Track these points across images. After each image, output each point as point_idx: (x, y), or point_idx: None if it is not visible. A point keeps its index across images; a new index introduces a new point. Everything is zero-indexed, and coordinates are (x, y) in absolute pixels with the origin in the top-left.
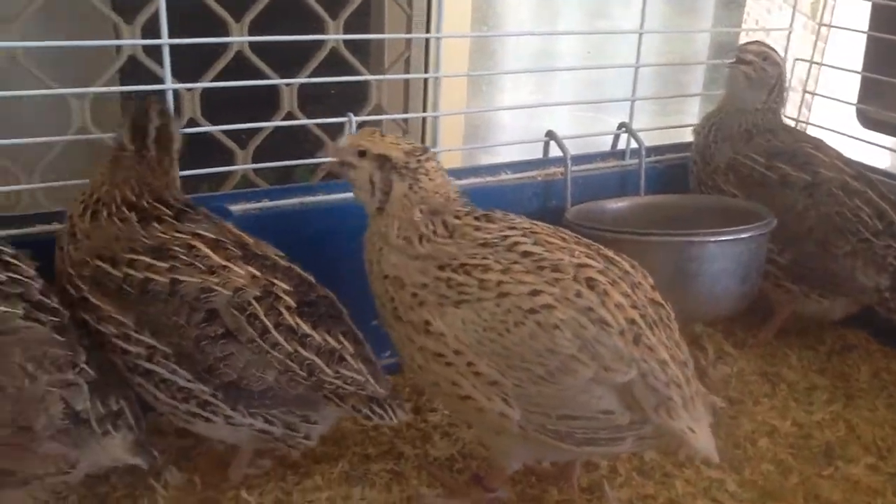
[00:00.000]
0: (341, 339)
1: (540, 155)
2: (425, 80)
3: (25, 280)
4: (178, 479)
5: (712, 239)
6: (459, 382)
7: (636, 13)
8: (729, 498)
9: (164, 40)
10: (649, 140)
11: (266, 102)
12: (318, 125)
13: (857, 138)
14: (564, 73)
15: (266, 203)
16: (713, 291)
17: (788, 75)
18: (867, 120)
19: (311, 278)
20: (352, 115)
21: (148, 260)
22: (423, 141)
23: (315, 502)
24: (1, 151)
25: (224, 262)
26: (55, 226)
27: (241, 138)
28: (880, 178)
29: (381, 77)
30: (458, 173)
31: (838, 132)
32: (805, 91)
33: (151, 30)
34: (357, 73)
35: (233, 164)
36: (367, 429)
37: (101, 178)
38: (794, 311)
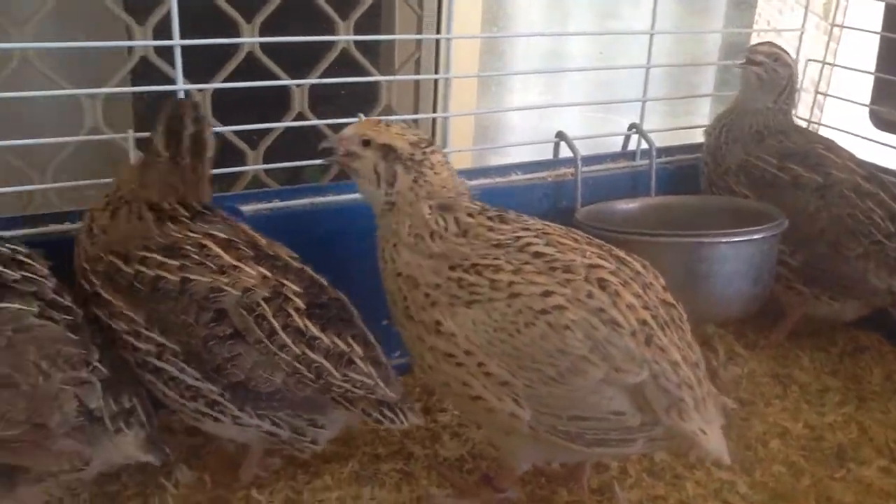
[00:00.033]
0: (351, 342)
1: (550, 156)
2: (435, 81)
3: (39, 279)
4: (188, 478)
5: (723, 240)
6: (470, 383)
7: (646, 14)
8: (740, 500)
9: (176, 41)
10: (660, 141)
11: (277, 103)
12: (328, 126)
13: (869, 139)
14: (574, 73)
15: (277, 203)
16: (724, 293)
17: (800, 76)
18: (880, 121)
19: (323, 280)
20: (362, 115)
21: (160, 258)
22: None
23: (325, 502)
24: (14, 151)
25: (235, 262)
26: (67, 225)
27: (252, 139)
28: (893, 180)
29: (391, 78)
30: (468, 174)
31: (851, 133)
32: (817, 92)
33: (163, 31)
34: (367, 73)
35: (243, 165)
36: (376, 429)
37: (129, 177)
38: (806, 313)
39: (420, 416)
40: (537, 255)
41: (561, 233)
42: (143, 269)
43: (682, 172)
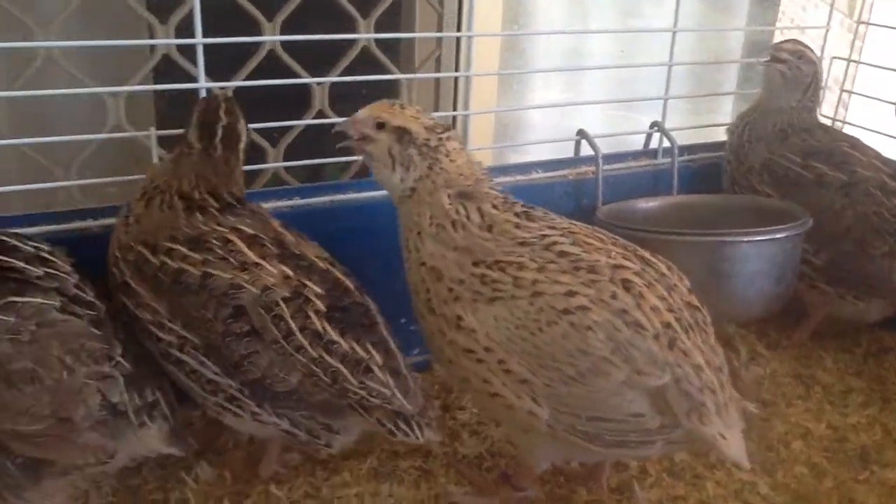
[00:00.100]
0: (370, 349)
1: (570, 154)
2: (456, 79)
3: (61, 275)
4: (208, 474)
5: (745, 239)
6: (489, 379)
7: (668, 12)
8: (761, 501)
9: (199, 39)
10: (682, 139)
11: (297, 101)
12: None
13: (895, 137)
14: (595, 71)
15: (297, 201)
16: (747, 292)
17: (825, 74)
18: None
19: (350, 284)
20: None
21: (184, 250)
22: None
23: (343, 498)
24: (38, 149)
25: (257, 260)
26: (90, 222)
27: (273, 136)
28: None
29: (411, 76)
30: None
31: (876, 131)
32: (842, 90)
33: (185, 29)
34: (388, 72)
35: (264, 163)
36: None
37: (164, 167)
38: (830, 313)
39: (438, 432)
40: (562, 254)
41: (587, 232)
42: (167, 260)
43: (704, 171)
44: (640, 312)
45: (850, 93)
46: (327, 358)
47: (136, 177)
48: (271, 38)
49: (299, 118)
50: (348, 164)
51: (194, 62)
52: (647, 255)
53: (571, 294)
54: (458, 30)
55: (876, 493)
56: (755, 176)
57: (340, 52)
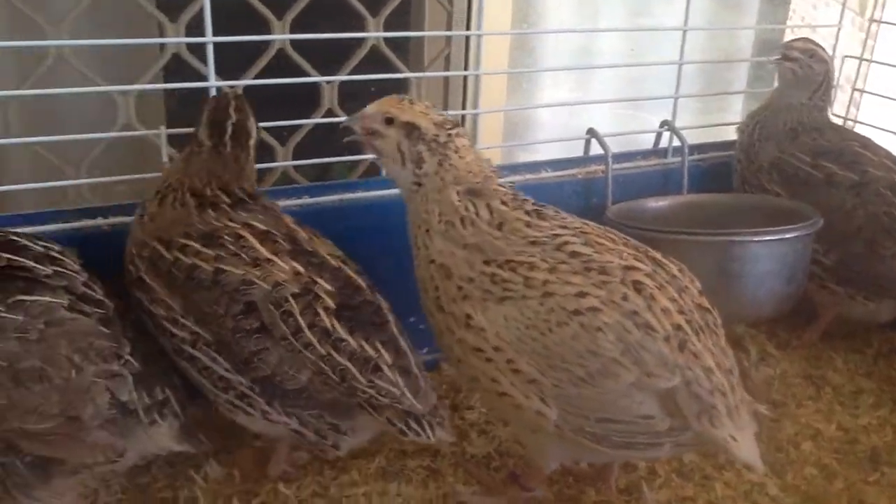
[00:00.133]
0: (379, 347)
1: (580, 153)
2: (465, 78)
3: (70, 273)
4: (217, 473)
5: (756, 239)
6: (498, 379)
7: (678, 11)
8: (770, 502)
9: (209, 38)
10: (692, 138)
11: (307, 100)
12: None
13: None
14: (605, 70)
15: (306, 199)
16: (757, 292)
17: (837, 73)
18: None
19: (362, 282)
20: None
21: (197, 246)
22: None
23: (352, 497)
24: (49, 147)
25: (269, 256)
26: (100, 220)
27: (282, 135)
28: None
29: (421, 74)
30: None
31: (888, 130)
32: (853, 89)
33: (195, 28)
34: (397, 70)
35: (273, 161)
36: None
37: (176, 166)
38: (840, 313)
39: (450, 432)
40: (574, 254)
41: (599, 232)
42: (181, 256)
43: (714, 170)
44: (650, 314)
45: (862, 92)
46: (336, 356)
47: (146, 175)
48: (281, 36)
49: (308, 117)
50: (357, 162)
51: (204, 61)
52: (658, 256)
53: (582, 295)
54: (468, 28)
55: (886, 494)
56: (765, 175)
57: (350, 50)
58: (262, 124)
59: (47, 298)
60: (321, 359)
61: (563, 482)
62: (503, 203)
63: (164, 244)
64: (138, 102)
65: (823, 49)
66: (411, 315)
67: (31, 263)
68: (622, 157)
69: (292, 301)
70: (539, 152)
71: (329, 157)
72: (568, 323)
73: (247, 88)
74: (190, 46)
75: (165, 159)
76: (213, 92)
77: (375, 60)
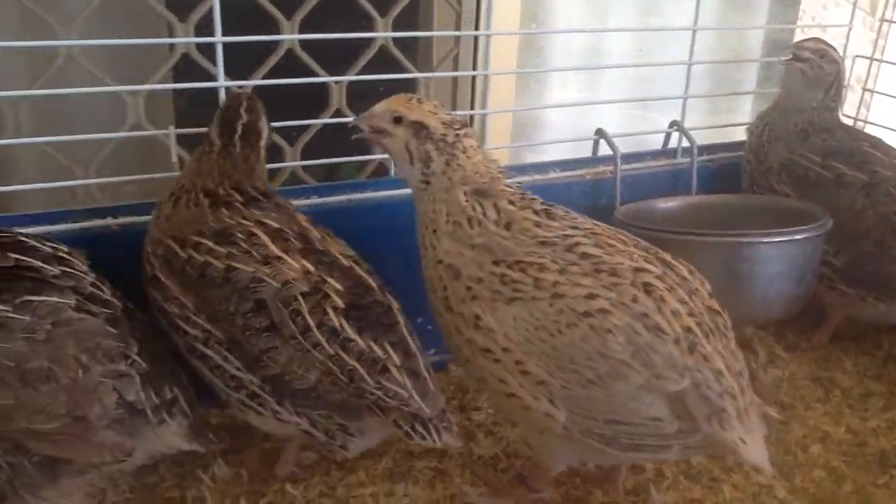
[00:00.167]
0: (388, 348)
1: (588, 153)
2: (473, 78)
3: (78, 273)
4: (225, 473)
5: (764, 240)
6: (506, 380)
7: (687, 10)
8: None
9: (218, 38)
10: (701, 139)
11: (315, 100)
12: None
13: None
14: (614, 70)
15: (314, 200)
16: (766, 294)
17: (847, 73)
18: None
19: (373, 282)
20: None
21: (210, 244)
22: None
23: (359, 498)
24: (59, 147)
25: (279, 254)
26: (109, 220)
27: (291, 135)
28: None
29: (429, 75)
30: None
31: None
32: (864, 89)
33: (205, 28)
34: (405, 70)
35: (281, 161)
36: None
37: (189, 167)
38: (850, 314)
39: (458, 437)
40: (584, 255)
41: (609, 233)
42: (194, 254)
43: (723, 171)
44: (660, 316)
45: (873, 92)
46: (344, 356)
47: (155, 175)
48: (290, 36)
49: (317, 117)
50: (365, 163)
51: (213, 61)
52: (668, 258)
53: (592, 297)
54: (476, 28)
55: (895, 498)
56: (774, 176)
57: (358, 50)
58: (269, 124)
59: (55, 299)
60: (329, 358)
61: (570, 483)
62: (511, 203)
63: (178, 242)
64: (147, 102)
65: (835, 49)
66: (419, 316)
67: (39, 264)
68: (631, 157)
69: (301, 300)
70: (547, 153)
71: (337, 157)
72: (577, 324)
73: (255, 88)
74: (199, 46)
75: (175, 159)
76: (223, 92)
77: (384, 60)
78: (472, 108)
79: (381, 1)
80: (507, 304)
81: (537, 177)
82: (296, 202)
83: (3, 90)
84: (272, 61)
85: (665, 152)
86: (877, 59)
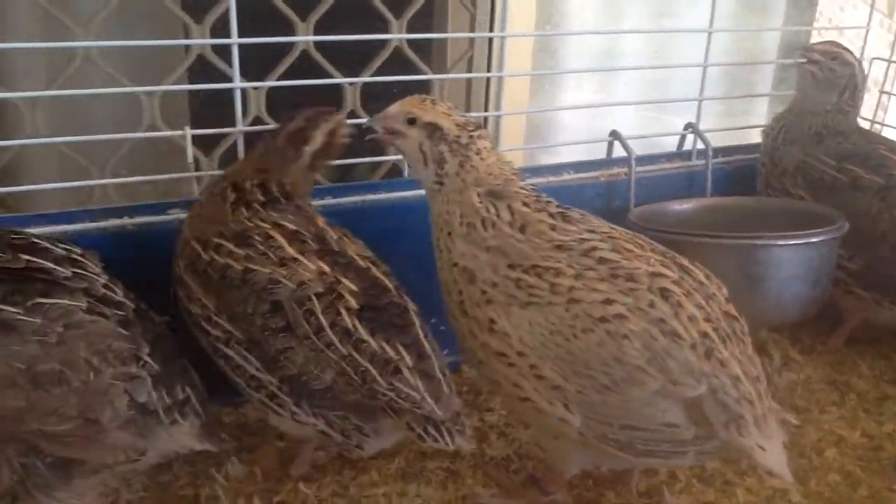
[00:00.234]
0: (400, 350)
1: (602, 155)
2: (487, 80)
3: (90, 275)
4: (239, 471)
5: (779, 242)
6: (520, 384)
7: (702, 13)
8: None
9: (234, 39)
10: (716, 141)
11: (329, 101)
12: None
13: None
14: (628, 72)
15: (328, 200)
16: (781, 296)
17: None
18: None
19: (389, 283)
20: None
21: (230, 246)
22: None
23: (371, 497)
24: (76, 148)
25: (295, 255)
26: (125, 220)
27: None
28: None
29: (443, 76)
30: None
31: None
32: (881, 91)
33: (220, 29)
34: (420, 72)
35: None
36: None
37: (237, 162)
38: (866, 318)
39: (471, 441)
40: (602, 260)
41: (626, 237)
42: (216, 256)
43: (738, 173)
44: (677, 322)
45: (890, 94)
46: (357, 356)
47: (171, 175)
48: (305, 38)
49: None
50: (379, 163)
51: (229, 62)
52: (685, 262)
53: (609, 302)
54: (491, 30)
55: None
56: (789, 179)
57: (373, 52)
58: None
59: (66, 301)
60: (343, 359)
61: (582, 485)
62: (525, 205)
63: (201, 244)
64: (163, 103)
65: (849, 52)
66: (432, 317)
67: (51, 265)
68: (645, 159)
69: (315, 300)
70: (561, 154)
71: (351, 158)
72: (594, 330)
73: (270, 89)
74: (215, 48)
75: (190, 160)
76: (238, 93)
77: (398, 62)
78: (486, 109)
79: (396, 2)
80: (523, 309)
81: (551, 178)
82: None
83: (21, 91)
84: (287, 62)
85: (680, 154)
86: (894, 62)
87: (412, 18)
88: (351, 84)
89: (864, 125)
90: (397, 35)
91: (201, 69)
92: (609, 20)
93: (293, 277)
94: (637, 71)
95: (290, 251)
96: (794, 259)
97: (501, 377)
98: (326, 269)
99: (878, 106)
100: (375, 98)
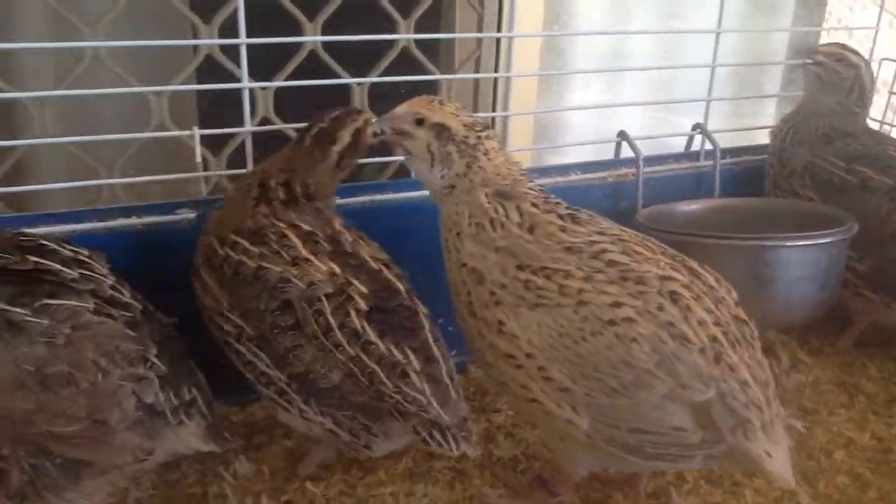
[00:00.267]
0: (408, 353)
1: (610, 156)
2: (495, 80)
3: (97, 276)
4: (247, 470)
5: (787, 243)
6: (528, 385)
7: (710, 14)
8: None
9: (242, 40)
10: (724, 141)
11: (337, 101)
12: None
13: None
14: (636, 73)
15: (336, 201)
16: (789, 298)
17: (874, 76)
18: None
19: (401, 286)
20: None
21: (246, 244)
22: None
23: (378, 497)
24: (84, 148)
25: (307, 255)
26: (133, 219)
27: None
28: None
29: (451, 77)
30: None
31: None
32: (890, 92)
33: (229, 30)
34: (427, 72)
35: None
36: None
37: (263, 163)
38: (875, 320)
39: (476, 447)
40: (611, 263)
41: (636, 240)
42: (231, 253)
43: (746, 174)
44: (686, 325)
45: None
46: (364, 357)
47: (179, 175)
48: (312, 38)
49: None
50: (387, 164)
51: (237, 62)
52: (695, 266)
53: (618, 305)
54: (499, 30)
55: None
56: (798, 180)
57: (380, 52)
58: (291, 125)
59: (73, 302)
60: (350, 359)
61: (589, 486)
62: (534, 206)
63: (219, 240)
64: (171, 103)
65: (856, 53)
66: (440, 317)
67: (58, 267)
68: (653, 160)
69: (325, 301)
70: (569, 155)
71: None
72: (602, 332)
73: (278, 90)
74: (223, 48)
75: (199, 160)
76: (247, 93)
77: (406, 62)
78: (493, 109)
79: (404, 3)
80: (531, 310)
81: (558, 178)
82: None
83: (30, 90)
84: (295, 63)
85: (688, 155)
86: None
87: (420, 18)
88: (359, 84)
89: (874, 126)
90: (405, 35)
91: (209, 69)
92: (617, 20)
93: (304, 277)
94: (645, 71)
95: (303, 251)
96: (802, 260)
97: (509, 378)
98: (338, 270)
99: (887, 107)
100: (383, 98)
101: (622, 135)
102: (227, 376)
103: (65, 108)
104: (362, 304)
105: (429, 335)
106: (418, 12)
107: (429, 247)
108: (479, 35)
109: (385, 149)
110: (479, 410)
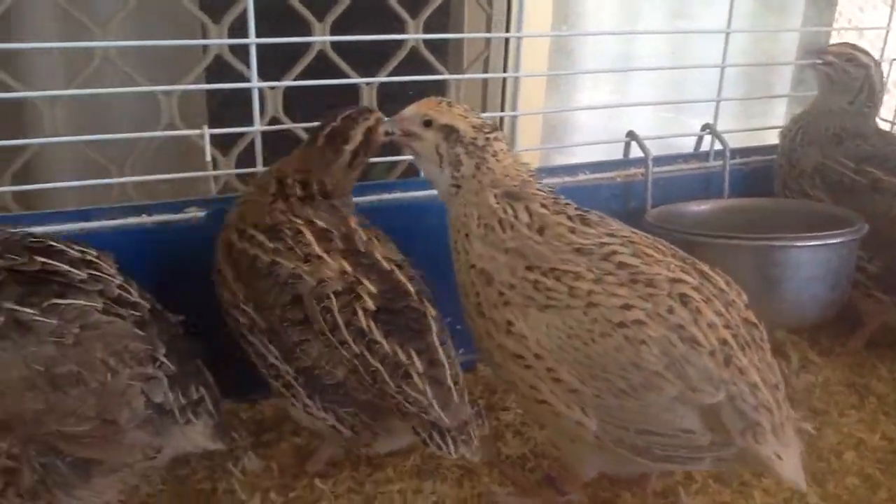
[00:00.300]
0: (412, 355)
1: (619, 156)
2: (504, 80)
3: (105, 276)
4: (255, 466)
5: (797, 244)
6: (537, 386)
7: (719, 13)
8: None
9: (252, 40)
10: (733, 142)
11: (346, 101)
12: None
13: None
14: (645, 73)
15: (352, 199)
16: (799, 298)
17: (885, 76)
18: None
19: (411, 288)
20: None
21: (262, 238)
22: None
23: (386, 494)
24: (95, 147)
25: (320, 253)
26: (144, 218)
27: None
28: None
29: (460, 76)
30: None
31: None
32: None
33: (238, 30)
34: (436, 72)
35: None
36: None
37: (281, 161)
38: (886, 322)
39: (477, 452)
40: (621, 265)
41: (646, 242)
42: (248, 246)
43: (756, 174)
44: (696, 328)
45: None
46: (368, 356)
47: (189, 174)
48: (321, 38)
49: None
50: (395, 163)
51: (246, 62)
52: (706, 269)
53: (627, 307)
54: (507, 30)
55: None
56: (807, 180)
57: (389, 52)
58: (300, 125)
59: (82, 302)
60: (355, 357)
61: (598, 485)
62: (543, 206)
63: (238, 233)
64: (181, 103)
65: (866, 53)
66: (448, 316)
67: (66, 267)
68: (662, 160)
69: (333, 298)
70: (577, 155)
71: None
72: (612, 334)
73: (287, 89)
74: (232, 48)
75: (209, 159)
76: (256, 93)
77: (415, 62)
78: (502, 109)
79: (412, 3)
80: (540, 311)
81: (567, 179)
82: None
83: (40, 90)
84: (304, 62)
85: (697, 155)
86: None
87: (428, 18)
88: (367, 84)
89: (884, 127)
90: (414, 35)
91: (219, 69)
92: (625, 21)
93: (314, 274)
94: (654, 71)
95: (317, 249)
96: (812, 261)
97: (518, 379)
98: (348, 268)
99: None
100: (392, 98)
101: (631, 135)
102: (237, 374)
103: (75, 107)
104: (370, 304)
105: (435, 338)
106: (427, 12)
107: (437, 246)
108: (487, 35)
109: (394, 148)
110: (487, 408)
